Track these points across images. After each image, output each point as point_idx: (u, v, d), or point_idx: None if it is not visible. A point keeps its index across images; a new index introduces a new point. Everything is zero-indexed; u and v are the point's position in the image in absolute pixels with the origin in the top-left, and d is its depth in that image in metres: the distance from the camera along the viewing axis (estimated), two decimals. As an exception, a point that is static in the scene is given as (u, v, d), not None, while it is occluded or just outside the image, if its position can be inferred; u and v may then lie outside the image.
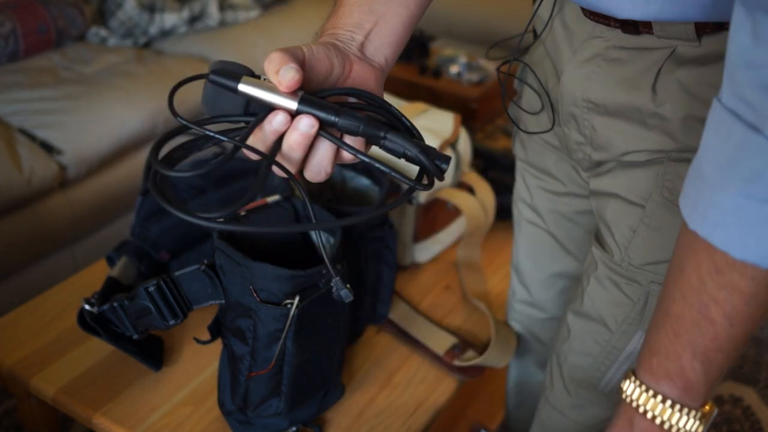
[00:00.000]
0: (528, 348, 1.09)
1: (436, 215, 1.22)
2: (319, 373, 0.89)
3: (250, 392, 0.86)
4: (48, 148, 1.78)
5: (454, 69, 2.05)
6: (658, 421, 0.50)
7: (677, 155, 0.66)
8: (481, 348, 1.05)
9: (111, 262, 1.05)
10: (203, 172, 0.49)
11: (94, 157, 1.87)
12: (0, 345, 1.02)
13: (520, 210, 0.97)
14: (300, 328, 0.82)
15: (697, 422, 0.51)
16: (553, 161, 0.86)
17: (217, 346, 0.94)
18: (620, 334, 0.76)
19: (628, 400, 0.52)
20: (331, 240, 0.89)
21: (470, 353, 1.05)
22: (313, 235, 0.93)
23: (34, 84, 1.95)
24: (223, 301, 0.86)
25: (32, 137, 1.79)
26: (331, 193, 1.13)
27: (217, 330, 0.88)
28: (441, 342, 1.06)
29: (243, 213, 0.88)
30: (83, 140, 1.84)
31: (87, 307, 0.89)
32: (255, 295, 0.80)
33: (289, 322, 0.81)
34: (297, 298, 0.80)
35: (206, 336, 0.88)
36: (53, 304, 1.10)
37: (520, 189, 0.96)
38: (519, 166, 0.95)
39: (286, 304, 0.80)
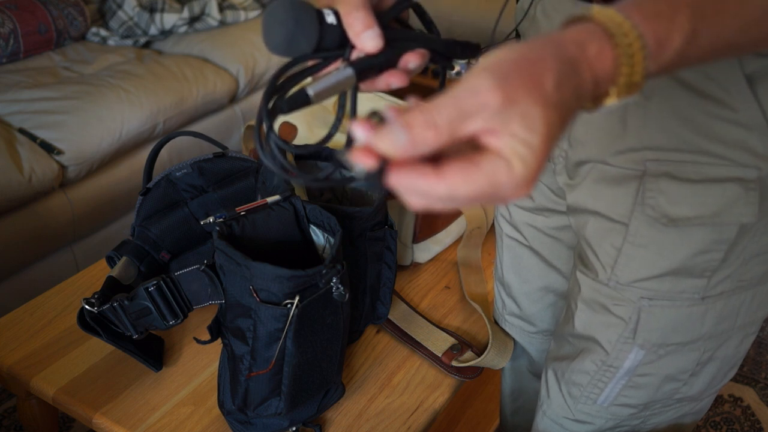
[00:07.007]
0: (521, 356, 1.09)
1: (436, 215, 1.22)
2: (319, 373, 0.89)
3: (250, 392, 0.86)
4: (48, 148, 1.78)
5: (454, 69, 2.05)
6: (619, 51, 0.43)
7: (654, 166, 0.65)
8: (480, 349, 1.05)
9: (111, 262, 1.05)
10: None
11: (94, 157, 1.87)
12: (0, 345, 1.02)
13: (500, 225, 0.97)
14: (300, 328, 0.82)
15: (641, 72, 0.44)
16: None
17: (217, 346, 0.94)
18: (616, 353, 0.76)
19: (602, 17, 0.44)
20: (331, 240, 0.89)
21: (468, 354, 1.05)
22: (314, 235, 0.93)
23: (34, 84, 1.96)
24: (223, 301, 0.86)
25: (32, 137, 1.79)
26: (330, 194, 1.13)
27: (217, 330, 0.88)
28: (439, 343, 1.06)
29: (242, 213, 0.88)
30: (83, 140, 1.84)
31: (87, 307, 0.89)
32: (255, 295, 0.80)
33: (289, 322, 0.81)
34: (297, 298, 0.80)
35: (206, 336, 0.88)
36: (53, 304, 1.10)
37: (499, 204, 0.96)
38: None
39: (286, 304, 0.80)
